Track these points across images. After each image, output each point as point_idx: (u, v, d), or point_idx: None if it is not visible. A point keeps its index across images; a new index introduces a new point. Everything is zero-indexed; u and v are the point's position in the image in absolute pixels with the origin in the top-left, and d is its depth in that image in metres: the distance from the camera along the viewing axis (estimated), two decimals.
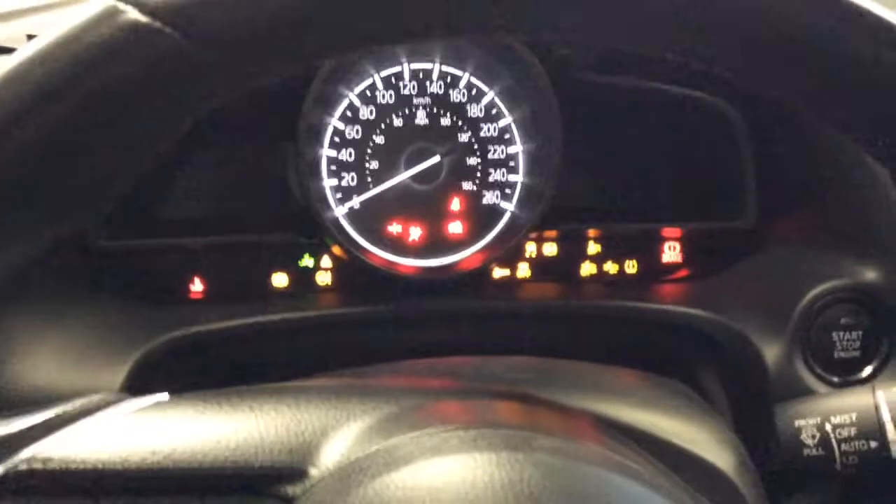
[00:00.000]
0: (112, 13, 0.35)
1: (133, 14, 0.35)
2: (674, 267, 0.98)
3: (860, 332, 0.79)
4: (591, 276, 0.97)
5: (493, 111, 0.94)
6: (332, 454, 0.44)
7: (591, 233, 0.97)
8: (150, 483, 0.42)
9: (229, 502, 0.42)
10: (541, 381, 0.70)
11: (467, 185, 0.95)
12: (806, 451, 0.69)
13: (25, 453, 0.41)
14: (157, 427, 0.44)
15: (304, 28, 0.38)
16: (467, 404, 0.51)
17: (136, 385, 0.76)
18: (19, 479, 0.41)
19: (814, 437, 0.68)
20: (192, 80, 0.37)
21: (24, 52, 0.37)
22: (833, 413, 0.68)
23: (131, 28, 0.35)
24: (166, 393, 0.48)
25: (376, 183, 0.93)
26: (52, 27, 0.37)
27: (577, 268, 0.97)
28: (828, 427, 0.68)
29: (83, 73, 0.36)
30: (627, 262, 0.98)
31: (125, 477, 0.41)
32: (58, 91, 0.36)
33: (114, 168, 0.38)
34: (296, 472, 0.43)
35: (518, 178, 0.95)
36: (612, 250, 0.97)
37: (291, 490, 0.42)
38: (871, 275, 0.80)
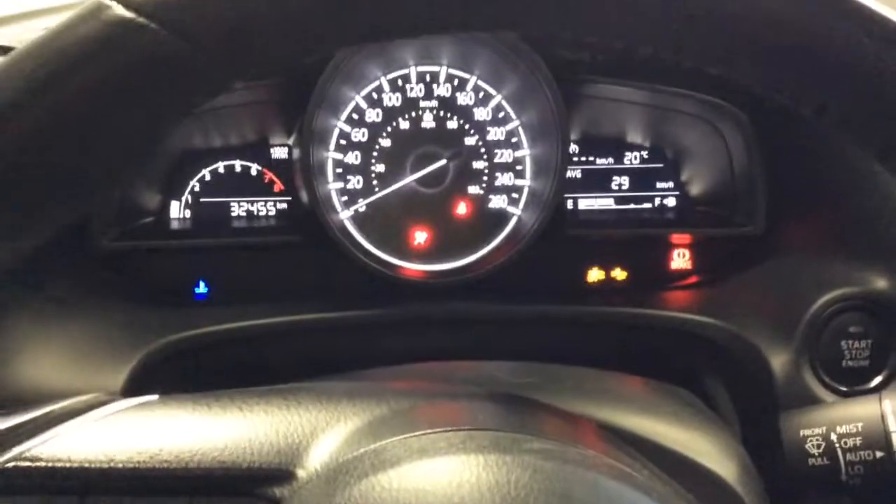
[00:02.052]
0: (98, 9, 0.35)
1: (118, 10, 0.35)
2: (683, 274, 0.97)
3: (870, 341, 0.78)
4: (599, 282, 0.96)
5: (501, 114, 0.94)
6: (320, 455, 0.43)
7: (599, 238, 0.96)
8: (137, 483, 0.41)
9: (216, 503, 0.42)
10: (543, 386, 0.69)
11: (474, 189, 0.94)
12: (811, 461, 0.68)
13: (13, 452, 0.41)
14: (145, 427, 0.44)
15: (298, 25, 0.37)
16: (461, 407, 0.51)
17: (138, 388, 0.76)
18: (6, 477, 0.41)
19: (819, 446, 0.67)
20: (179, 77, 0.37)
21: (17, 50, 0.37)
22: (839, 423, 0.67)
23: (117, 23, 0.35)
24: (156, 395, 0.47)
25: (382, 186, 0.93)
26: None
27: (585, 274, 0.97)
28: (833, 437, 0.66)
29: (70, 69, 0.35)
30: (636, 268, 0.97)
31: (111, 476, 0.41)
32: (45, 86, 0.36)
33: (99, 165, 0.38)
34: (283, 473, 0.42)
35: (525, 182, 0.94)
36: (620, 256, 0.96)
37: (279, 491, 0.42)
38: (881, 283, 0.79)
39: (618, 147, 0.98)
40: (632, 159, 0.98)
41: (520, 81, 0.91)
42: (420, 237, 0.94)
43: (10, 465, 0.41)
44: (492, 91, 0.94)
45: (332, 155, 0.92)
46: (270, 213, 0.95)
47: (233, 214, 0.94)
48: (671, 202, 0.98)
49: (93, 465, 0.41)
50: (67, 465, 0.41)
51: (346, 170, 0.93)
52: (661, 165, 0.98)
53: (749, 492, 0.62)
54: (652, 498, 0.41)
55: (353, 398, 0.49)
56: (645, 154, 0.98)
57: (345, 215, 0.92)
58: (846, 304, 0.78)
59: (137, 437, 0.43)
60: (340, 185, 0.93)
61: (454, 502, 0.37)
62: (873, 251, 0.81)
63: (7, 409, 0.45)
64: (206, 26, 0.36)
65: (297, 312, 0.87)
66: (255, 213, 0.95)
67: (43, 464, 0.40)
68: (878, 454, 0.64)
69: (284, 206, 0.95)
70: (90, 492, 0.40)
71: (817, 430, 0.68)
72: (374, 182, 0.93)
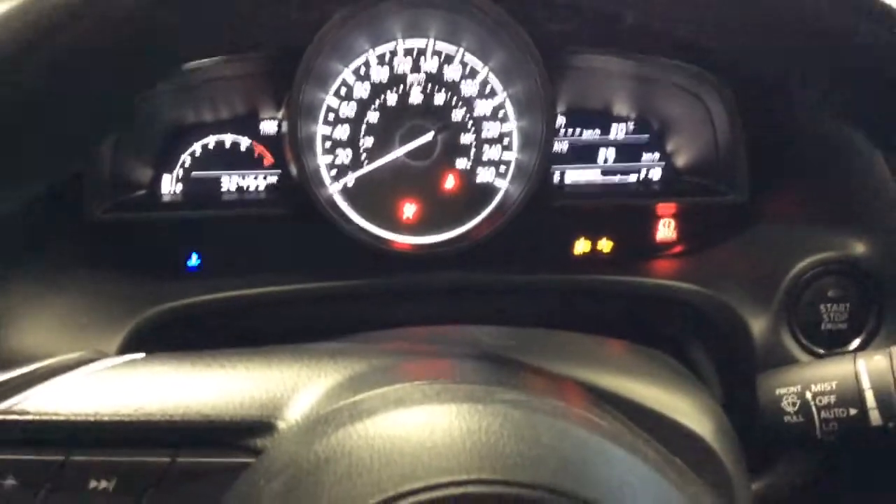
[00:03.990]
0: None
1: None
2: (668, 244, 0.98)
3: (847, 305, 0.79)
4: (585, 252, 0.98)
5: (487, 88, 0.95)
6: (300, 408, 0.45)
7: (585, 210, 0.97)
8: (123, 435, 0.43)
9: (200, 454, 0.43)
10: (524, 348, 0.70)
11: (461, 163, 0.95)
12: (786, 419, 0.69)
13: (1, 406, 0.43)
14: (131, 383, 0.46)
15: None
16: (440, 363, 0.52)
17: None
18: None
19: (794, 404, 0.69)
20: (154, 39, 0.38)
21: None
22: (814, 381, 0.68)
23: None
24: (142, 353, 0.49)
25: (371, 160, 0.94)
26: None
27: (571, 244, 0.98)
28: (808, 395, 0.68)
29: (45, 34, 0.37)
30: (621, 239, 0.98)
31: (97, 430, 0.43)
32: (19, 54, 0.37)
33: (80, 129, 0.39)
34: (264, 425, 0.44)
35: (512, 155, 0.96)
36: (606, 227, 0.98)
37: (260, 442, 0.44)
38: (860, 248, 0.80)
39: (604, 119, 0.99)
40: (618, 132, 0.99)
41: (506, 54, 0.92)
42: (409, 210, 0.95)
43: None
44: (478, 65, 0.94)
45: (321, 129, 0.93)
46: (261, 187, 0.96)
47: (223, 188, 0.96)
48: (657, 174, 0.99)
49: (79, 419, 0.42)
50: (54, 418, 0.42)
51: (335, 144, 0.94)
52: (646, 137, 0.99)
53: (725, 449, 0.63)
54: (622, 446, 0.43)
55: (334, 356, 0.50)
56: (631, 126, 0.99)
57: (334, 189, 0.94)
58: (825, 268, 0.80)
59: (123, 393, 0.44)
60: (329, 158, 0.94)
61: (426, 447, 0.39)
62: (853, 217, 0.83)
63: None
64: None
65: (287, 283, 0.89)
66: (246, 187, 0.96)
67: (30, 417, 0.42)
68: (852, 411, 0.65)
69: (274, 179, 0.96)
70: (76, 445, 0.42)
71: (793, 389, 0.69)
72: (363, 156, 0.94)
